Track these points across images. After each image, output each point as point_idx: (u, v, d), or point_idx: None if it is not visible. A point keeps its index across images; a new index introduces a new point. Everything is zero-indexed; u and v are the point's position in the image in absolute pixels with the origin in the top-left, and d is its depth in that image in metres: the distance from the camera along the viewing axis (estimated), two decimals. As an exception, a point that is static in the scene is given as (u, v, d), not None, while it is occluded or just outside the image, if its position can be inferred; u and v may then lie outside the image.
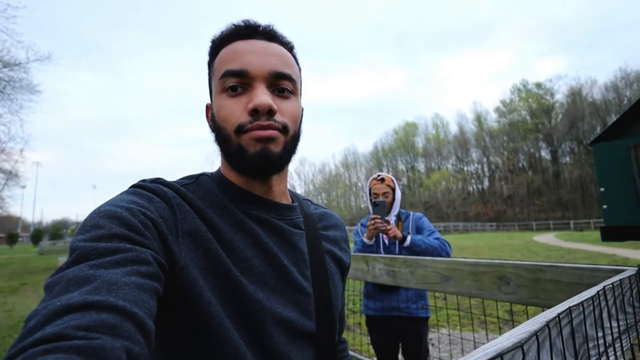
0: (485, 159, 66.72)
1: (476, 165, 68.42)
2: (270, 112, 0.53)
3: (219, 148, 0.58)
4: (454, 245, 18.53)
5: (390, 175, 2.18)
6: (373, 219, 1.86)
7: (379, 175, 2.18)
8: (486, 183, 65.46)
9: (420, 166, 76.16)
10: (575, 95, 57.41)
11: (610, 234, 1.02)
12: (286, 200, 0.65)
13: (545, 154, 60.06)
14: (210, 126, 0.59)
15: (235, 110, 0.54)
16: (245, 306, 0.50)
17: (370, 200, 2.17)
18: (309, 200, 0.75)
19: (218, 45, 0.59)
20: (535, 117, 60.27)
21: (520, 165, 61.67)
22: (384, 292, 2.05)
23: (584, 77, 70.16)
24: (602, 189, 1.04)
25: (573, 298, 0.57)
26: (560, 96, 60.22)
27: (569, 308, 0.51)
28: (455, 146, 70.79)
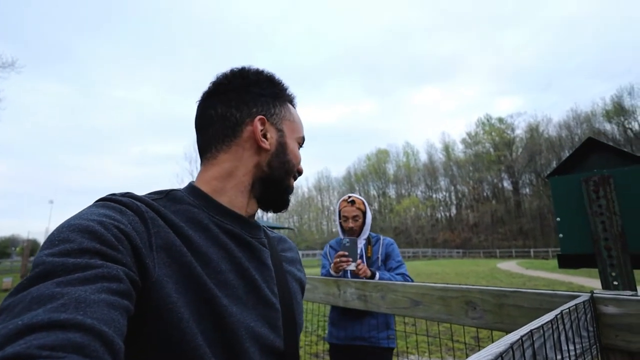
0: (452, 187, 69.43)
1: (444, 193, 70.99)
2: None
3: (266, 171, 0.65)
4: (423, 271, 18.78)
5: (361, 197, 2.16)
6: (340, 256, 1.75)
7: (349, 197, 2.14)
8: (454, 210, 67.79)
9: (391, 192, 77.91)
10: (533, 131, 61.84)
11: (565, 261, 1.08)
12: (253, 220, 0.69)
13: (507, 184, 63.46)
14: (265, 145, 0.64)
15: (300, 161, 0.71)
16: (221, 320, 0.49)
17: (340, 222, 2.15)
18: (264, 226, 0.79)
19: (289, 96, 0.72)
20: (498, 150, 63.99)
21: (485, 194, 64.63)
22: (349, 319, 2.00)
23: (540, 115, 75.95)
24: (558, 219, 1.11)
25: (534, 322, 0.60)
26: (520, 131, 64.69)
27: (531, 331, 0.54)
28: (425, 174, 73.33)
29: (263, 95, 0.65)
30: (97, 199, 0.52)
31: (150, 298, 0.45)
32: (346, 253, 1.71)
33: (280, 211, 0.68)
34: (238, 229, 0.60)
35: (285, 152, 0.65)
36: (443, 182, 71.27)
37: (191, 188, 0.61)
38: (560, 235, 1.11)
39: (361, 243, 2.10)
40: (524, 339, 0.49)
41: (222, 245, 0.56)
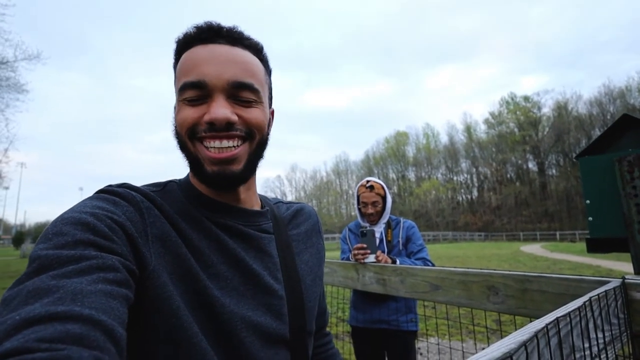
0: (474, 169, 67.71)
1: (465, 175, 69.39)
2: (229, 125, 0.52)
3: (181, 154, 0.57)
4: (443, 254, 18.63)
5: (380, 181, 2.10)
6: (358, 249, 1.70)
7: (368, 182, 2.09)
8: (475, 193, 66.33)
9: (411, 175, 76.86)
10: (561, 109, 58.93)
11: (595, 246, 1.04)
12: (256, 205, 0.65)
13: (532, 165, 61.29)
14: (173, 131, 0.57)
15: (191, 116, 0.53)
16: (214, 311, 0.49)
17: (359, 208, 2.12)
18: (280, 201, 0.74)
19: (180, 48, 0.56)
20: (522, 130, 61.56)
21: (508, 176, 62.74)
22: (371, 303, 2.01)
23: (569, 92, 72.13)
24: (587, 202, 1.07)
25: (560, 309, 0.58)
26: (546, 110, 61.81)
27: (557, 319, 0.51)
28: (445, 156, 71.72)
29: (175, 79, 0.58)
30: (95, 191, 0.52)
31: (147, 287, 0.45)
32: (364, 245, 1.69)
33: (215, 187, 0.56)
34: (231, 220, 0.58)
35: (174, 127, 0.56)
36: (464, 164, 69.62)
37: (185, 180, 0.60)
38: (590, 218, 1.06)
39: (381, 227, 2.08)
40: (549, 326, 0.47)
41: (214, 238, 0.55)
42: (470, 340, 4.06)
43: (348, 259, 2.01)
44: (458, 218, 61.09)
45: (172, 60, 0.59)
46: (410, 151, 78.11)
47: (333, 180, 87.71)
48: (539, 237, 40.98)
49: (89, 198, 0.49)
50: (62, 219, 0.42)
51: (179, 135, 0.55)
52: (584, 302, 0.60)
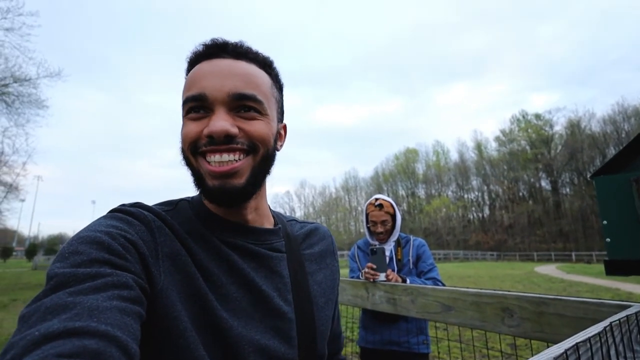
0: (485, 187, 66.77)
1: (476, 193, 68.42)
2: (229, 138, 0.51)
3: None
4: (455, 273, 18.19)
5: (389, 199, 2.07)
6: (369, 268, 1.68)
7: (376, 200, 2.05)
8: (487, 211, 65.18)
9: (421, 192, 76.15)
10: (574, 127, 58.18)
11: (614, 268, 1.01)
12: (268, 222, 0.64)
13: (545, 184, 60.14)
14: (179, 148, 0.58)
15: (192, 131, 0.52)
16: (222, 333, 0.49)
17: (368, 226, 2.09)
18: (295, 220, 0.73)
19: (189, 66, 0.58)
20: (534, 148, 60.80)
21: (521, 194, 61.63)
22: (382, 323, 1.95)
23: (582, 110, 71.42)
24: (604, 222, 1.04)
25: (579, 334, 0.56)
26: (559, 128, 61.07)
27: (576, 344, 0.50)
28: (456, 173, 71.03)
29: None
30: (108, 210, 0.53)
31: (156, 306, 0.45)
32: (374, 266, 1.66)
33: (217, 202, 0.54)
34: (240, 239, 0.57)
35: (180, 137, 0.56)
36: (475, 182, 68.72)
37: (197, 199, 0.61)
38: (608, 239, 1.03)
39: (390, 246, 2.05)
40: (568, 352, 0.46)
41: (224, 258, 0.54)
42: (483, 365, 3.90)
43: (358, 277, 1.97)
44: (469, 237, 59.89)
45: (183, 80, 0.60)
46: (420, 168, 77.70)
47: (342, 197, 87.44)
48: (553, 258, 39.78)
49: (104, 217, 0.50)
50: (78, 238, 0.43)
51: (183, 151, 0.55)
52: (605, 327, 0.58)
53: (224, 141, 0.51)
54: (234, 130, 0.52)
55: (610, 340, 0.59)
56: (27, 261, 36.75)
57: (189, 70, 0.57)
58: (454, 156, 74.08)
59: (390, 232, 2.05)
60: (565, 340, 0.52)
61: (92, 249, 0.41)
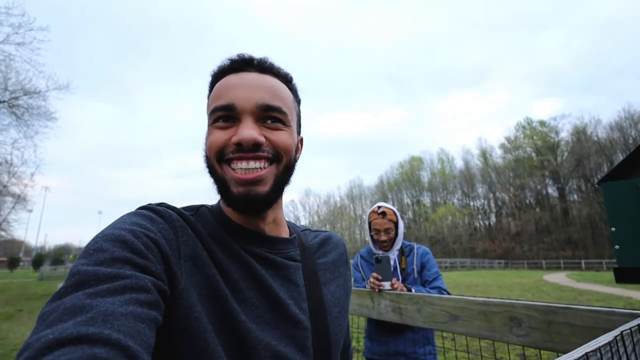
0: (491, 195, 66.22)
1: (482, 200, 67.85)
2: (256, 146, 0.53)
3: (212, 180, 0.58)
4: (462, 281, 17.94)
5: (392, 207, 2.04)
6: (374, 279, 1.65)
7: (379, 208, 2.03)
8: (493, 219, 64.52)
9: (426, 200, 75.70)
10: (580, 133, 57.79)
11: (623, 276, 0.99)
12: (284, 232, 0.65)
13: (552, 191, 59.52)
14: (203, 157, 0.59)
15: (219, 139, 0.54)
16: (240, 336, 0.49)
17: (371, 235, 2.07)
18: (308, 229, 0.74)
19: (214, 79, 0.60)
20: (540, 154, 60.38)
21: (528, 201, 61.01)
22: (388, 334, 1.92)
23: (587, 117, 70.94)
24: (613, 229, 1.02)
25: (589, 343, 0.54)
26: (565, 134, 60.66)
27: (586, 354, 0.48)
28: (461, 181, 70.64)
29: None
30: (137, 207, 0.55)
31: (177, 306, 0.45)
32: (380, 277, 1.64)
33: (240, 209, 0.55)
34: (257, 247, 0.58)
35: (204, 151, 0.58)
36: (481, 189, 68.23)
37: (217, 206, 0.62)
38: (617, 246, 1.01)
39: (394, 254, 2.02)
40: None
41: (243, 263, 0.55)
42: (493, 376, 3.82)
43: (364, 287, 1.94)
44: (476, 244, 59.20)
45: (206, 92, 0.62)
46: (425, 176, 77.41)
47: (347, 205, 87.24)
48: (562, 266, 39.14)
49: (129, 214, 0.51)
50: (103, 235, 0.44)
51: (208, 159, 0.56)
52: (615, 337, 0.57)
53: (251, 149, 0.53)
54: (261, 138, 0.54)
55: (621, 350, 0.58)
56: (34, 271, 36.95)
57: (213, 83, 0.60)
58: (459, 164, 73.94)
59: (393, 240, 2.03)
60: (575, 350, 0.51)
61: (115, 247, 0.42)
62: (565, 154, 58.66)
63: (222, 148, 0.54)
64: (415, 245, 2.09)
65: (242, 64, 0.58)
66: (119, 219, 0.49)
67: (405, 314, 1.41)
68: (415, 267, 2.00)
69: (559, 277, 21.61)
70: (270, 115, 0.55)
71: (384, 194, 79.68)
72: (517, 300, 1.07)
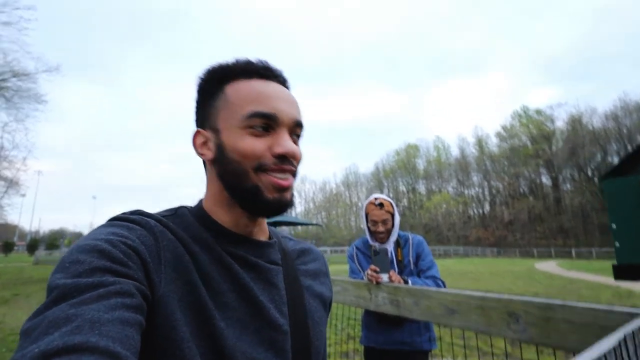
0: (486, 183, 66.73)
1: (477, 189, 68.41)
2: (293, 159, 0.56)
3: (223, 181, 0.57)
4: (455, 269, 18.22)
5: (389, 199, 2.05)
6: (373, 271, 1.65)
7: (376, 199, 2.03)
8: (487, 207, 65.21)
9: (421, 188, 76.14)
10: (575, 122, 58.00)
11: (623, 273, 0.98)
12: (264, 237, 0.64)
13: (546, 180, 60.13)
14: (208, 156, 0.58)
15: (259, 148, 0.54)
16: (217, 343, 0.48)
17: (368, 226, 2.08)
18: (287, 237, 0.74)
19: (229, 76, 0.58)
20: (535, 143, 60.65)
21: (521, 190, 61.59)
22: (388, 324, 1.94)
23: (583, 106, 71.06)
24: (613, 226, 1.02)
25: (593, 350, 0.54)
26: (560, 123, 60.92)
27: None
28: (457, 169, 70.98)
29: (199, 102, 0.61)
30: (108, 219, 0.53)
31: (155, 314, 0.45)
32: (378, 269, 1.65)
33: (270, 215, 0.56)
34: (241, 250, 0.57)
35: (224, 153, 0.55)
36: (476, 178, 68.71)
37: (198, 207, 0.61)
38: (617, 243, 1.01)
39: (390, 246, 2.03)
40: None
41: (225, 265, 0.54)
42: (484, 362, 3.91)
43: (361, 279, 1.95)
44: (469, 232, 59.96)
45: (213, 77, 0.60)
46: (421, 164, 77.63)
47: (342, 192, 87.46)
48: (553, 254, 39.88)
49: (103, 225, 0.50)
50: (78, 247, 0.43)
51: (238, 164, 0.54)
52: (619, 342, 0.56)
53: (288, 162, 0.55)
54: (300, 154, 0.57)
55: (624, 353, 0.57)
56: (29, 256, 36.89)
57: (224, 78, 0.58)
58: (454, 152, 74.11)
59: (390, 231, 2.03)
60: (580, 356, 0.50)
61: (92, 257, 0.41)
62: (560, 143, 58.99)
63: (260, 157, 0.54)
64: (411, 236, 2.10)
65: (268, 73, 0.59)
66: (93, 231, 0.48)
67: (403, 307, 1.42)
68: (411, 258, 2.01)
69: (550, 266, 22.04)
70: (295, 131, 0.58)
71: (380, 181, 79.95)
72: (515, 295, 1.07)
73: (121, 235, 0.46)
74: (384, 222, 2.00)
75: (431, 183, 74.61)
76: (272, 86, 0.57)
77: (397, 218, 2.05)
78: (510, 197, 60.95)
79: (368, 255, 2.08)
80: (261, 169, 0.54)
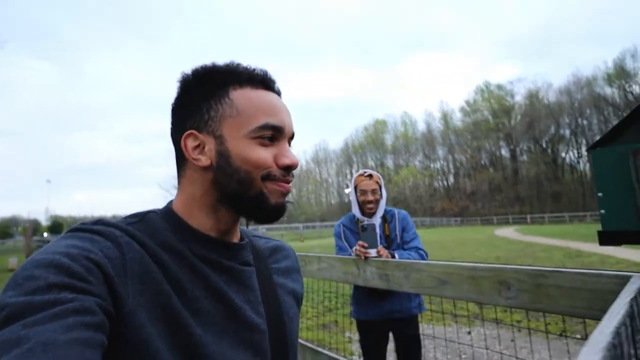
0: (450, 157, 69.37)
1: (442, 162, 71.04)
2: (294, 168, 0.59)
3: (220, 188, 0.55)
4: (424, 240, 18.94)
5: (376, 173, 2.11)
6: (360, 247, 1.67)
7: (365, 172, 2.10)
8: (451, 180, 68.14)
9: (389, 163, 77.88)
10: (533, 97, 60.98)
11: (607, 238, 1.03)
12: (236, 238, 0.63)
13: (505, 152, 63.42)
14: (202, 162, 0.55)
15: (267, 159, 0.56)
16: (193, 351, 0.48)
17: (357, 198, 2.10)
18: (258, 235, 0.74)
19: (234, 81, 0.57)
20: (496, 117, 63.33)
21: (483, 162, 64.71)
22: (378, 297, 1.99)
23: (541, 81, 74.54)
24: (600, 194, 1.05)
25: (605, 320, 0.54)
26: (519, 98, 63.77)
27: (616, 329, 0.48)
28: (423, 144, 73.00)
29: (194, 102, 0.57)
30: (67, 229, 0.50)
31: (124, 329, 0.43)
32: (366, 245, 1.67)
33: (272, 221, 0.58)
34: (214, 254, 0.56)
35: (228, 161, 0.54)
36: (441, 152, 71.18)
37: (167, 211, 0.58)
38: (602, 211, 1.04)
39: (378, 222, 2.06)
40: (614, 342, 0.45)
41: (198, 272, 0.53)
42: (454, 325, 4.17)
43: (349, 255, 1.98)
44: (435, 204, 62.69)
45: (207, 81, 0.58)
46: (389, 139, 78.99)
47: (313, 169, 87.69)
48: (511, 221, 42.76)
49: (62, 237, 0.46)
50: (34, 262, 0.40)
51: (246, 173, 0.55)
52: (631, 304, 0.57)
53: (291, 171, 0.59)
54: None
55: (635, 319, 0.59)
56: (-22, 246, 34.27)
57: (226, 82, 0.57)
58: (421, 127, 75.83)
59: (378, 202, 2.08)
60: (600, 327, 0.50)
61: (49, 273, 0.38)
62: (519, 117, 61.95)
63: (269, 167, 0.56)
64: (396, 211, 2.16)
65: (272, 85, 0.60)
66: (52, 243, 0.45)
67: (392, 280, 1.43)
68: (398, 232, 2.07)
69: (508, 232, 23.64)
70: (291, 142, 0.61)
71: (349, 157, 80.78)
72: (506, 264, 1.10)
73: (82, 248, 0.43)
74: (373, 191, 2.05)
75: (399, 158, 76.46)
76: (276, 98, 0.60)
77: (384, 193, 2.09)
78: (472, 170, 63.96)
79: (355, 231, 2.11)
80: (268, 178, 0.55)
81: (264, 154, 0.55)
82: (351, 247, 2.02)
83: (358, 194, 2.08)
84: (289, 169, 0.57)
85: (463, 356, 3.34)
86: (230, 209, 0.57)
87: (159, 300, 0.47)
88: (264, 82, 0.59)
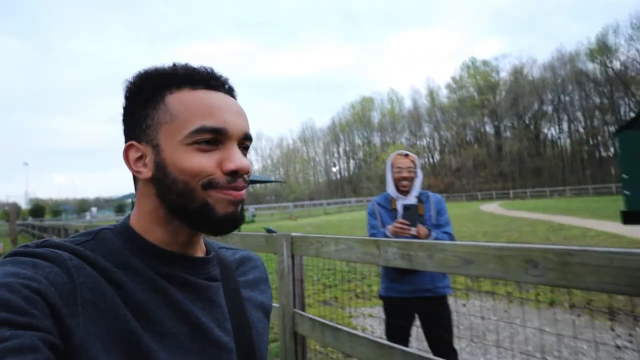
0: (436, 134, 69.92)
1: (428, 139, 71.63)
2: (244, 174, 0.53)
3: (164, 202, 0.52)
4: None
5: (412, 154, 2.18)
6: (401, 223, 1.74)
7: (401, 152, 2.19)
8: (437, 156, 69.06)
9: (376, 140, 77.95)
10: (517, 73, 61.29)
11: (631, 218, 1.08)
12: (201, 251, 0.60)
13: (489, 128, 64.27)
14: (144, 174, 0.52)
15: (208, 166, 0.50)
16: None
17: (393, 176, 2.15)
18: (224, 247, 0.71)
19: (170, 84, 0.52)
20: (482, 94, 63.63)
21: (468, 139, 65.53)
22: (410, 273, 2.00)
23: (525, 57, 74.82)
24: (624, 176, 1.10)
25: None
26: (504, 74, 64.03)
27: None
28: (409, 121, 73.10)
29: (135, 110, 0.54)
30: (6, 253, 0.46)
31: None
32: (407, 222, 1.74)
33: (223, 233, 0.53)
34: (177, 270, 0.53)
35: (165, 172, 0.51)
36: (427, 129, 71.59)
37: (124, 227, 0.54)
38: (627, 192, 1.09)
39: (413, 201, 2.10)
40: None
41: (160, 291, 0.50)
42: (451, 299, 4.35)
43: (383, 234, 2.02)
44: (422, 181, 63.59)
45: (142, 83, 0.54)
46: (376, 117, 78.68)
47: (300, 148, 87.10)
48: (494, 196, 43.96)
49: (1, 263, 0.42)
50: None
51: (183, 183, 0.50)
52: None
53: (241, 177, 0.53)
54: (250, 168, 0.54)
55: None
56: (-43, 232, 33.18)
57: (165, 86, 0.53)
58: (407, 104, 75.67)
59: (413, 181, 2.15)
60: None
61: None
62: (503, 93, 62.42)
63: (210, 175, 0.50)
64: (430, 194, 2.23)
65: (217, 83, 0.54)
66: None
67: (415, 260, 1.48)
68: (432, 214, 2.14)
69: (493, 207, 24.36)
70: (244, 144, 0.55)
71: (336, 135, 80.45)
72: (532, 244, 1.15)
73: (23, 277, 0.39)
74: (409, 169, 2.12)
75: (385, 135, 76.53)
76: (220, 97, 0.53)
77: (420, 173, 2.17)
78: (457, 146, 64.79)
79: (389, 209, 2.18)
80: (211, 186, 0.50)
81: (201, 161, 0.50)
82: (384, 225, 2.07)
83: (394, 171, 2.15)
84: (234, 174, 0.51)
85: (461, 327, 3.52)
86: (181, 222, 0.53)
87: (115, 327, 0.43)
88: (205, 81, 0.53)
